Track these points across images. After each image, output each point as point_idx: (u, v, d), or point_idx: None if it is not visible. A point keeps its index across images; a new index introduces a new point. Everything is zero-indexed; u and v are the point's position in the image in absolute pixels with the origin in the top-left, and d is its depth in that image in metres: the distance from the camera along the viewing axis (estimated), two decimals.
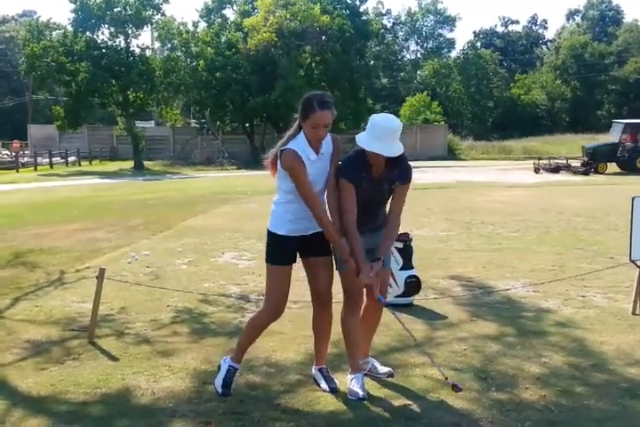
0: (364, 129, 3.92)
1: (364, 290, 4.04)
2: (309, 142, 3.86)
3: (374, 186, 3.94)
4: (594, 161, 27.70)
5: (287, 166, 3.82)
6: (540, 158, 29.41)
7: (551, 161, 29.15)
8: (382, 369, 4.34)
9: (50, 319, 5.81)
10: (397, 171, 3.97)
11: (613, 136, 29.61)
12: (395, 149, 3.81)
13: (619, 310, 5.81)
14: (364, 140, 3.84)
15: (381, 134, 3.79)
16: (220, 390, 4.05)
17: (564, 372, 4.38)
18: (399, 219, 4.10)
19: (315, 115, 3.77)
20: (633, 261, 5.76)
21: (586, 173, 26.58)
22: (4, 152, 44.47)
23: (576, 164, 28.18)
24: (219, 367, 4.19)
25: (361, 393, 3.95)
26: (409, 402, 3.89)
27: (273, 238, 4.01)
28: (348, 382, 4.08)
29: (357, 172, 3.89)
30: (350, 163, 3.94)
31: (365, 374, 4.20)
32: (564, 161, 28.77)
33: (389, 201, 4.13)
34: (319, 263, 4.05)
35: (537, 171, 27.26)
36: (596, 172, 27.20)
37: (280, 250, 4.00)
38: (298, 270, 4.17)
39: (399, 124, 3.86)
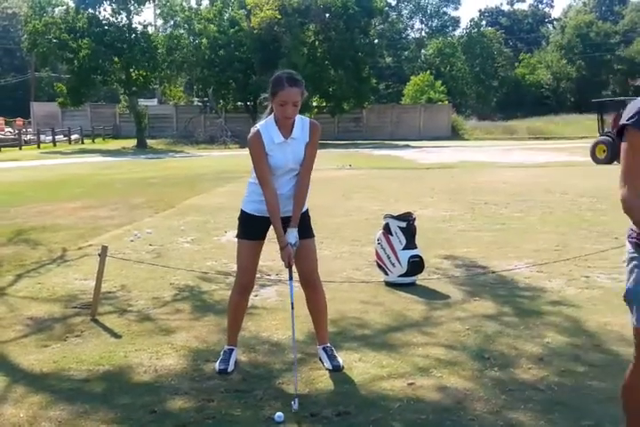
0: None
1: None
2: (278, 124, 3.85)
3: None
4: None
5: (248, 145, 3.90)
6: None
7: None
8: None
9: (52, 297, 5.82)
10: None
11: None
12: None
13: (622, 291, 5.75)
14: None
15: None
16: (216, 369, 4.09)
17: (566, 352, 4.37)
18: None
19: (283, 91, 3.74)
20: None
21: None
22: (7, 129, 44.39)
23: None
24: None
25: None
26: (411, 381, 3.88)
27: (241, 214, 4.11)
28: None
29: None
30: None
31: None
32: None
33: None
34: (301, 246, 3.99)
35: None
36: None
37: (246, 226, 4.07)
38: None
39: None
